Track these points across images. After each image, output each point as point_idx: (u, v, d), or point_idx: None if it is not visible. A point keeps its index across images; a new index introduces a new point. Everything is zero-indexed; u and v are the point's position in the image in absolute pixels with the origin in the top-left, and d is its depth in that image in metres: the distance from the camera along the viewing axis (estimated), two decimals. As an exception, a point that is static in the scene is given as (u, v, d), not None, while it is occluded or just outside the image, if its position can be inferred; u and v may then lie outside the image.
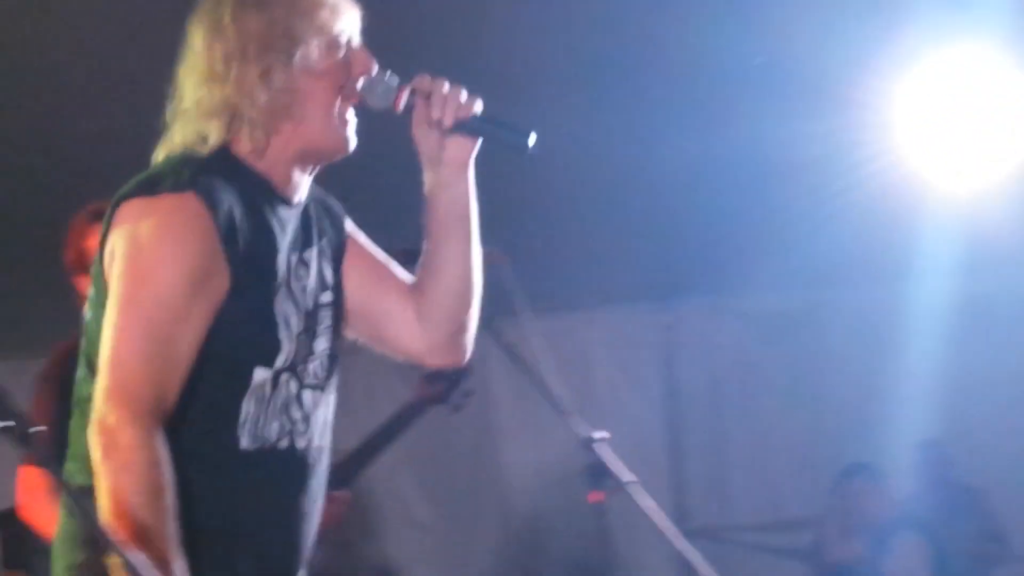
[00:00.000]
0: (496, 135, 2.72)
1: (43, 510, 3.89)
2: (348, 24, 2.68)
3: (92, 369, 2.55)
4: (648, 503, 3.11)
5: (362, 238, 2.88)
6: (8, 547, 5.34)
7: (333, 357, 2.73)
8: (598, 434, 3.31)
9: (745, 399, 7.75)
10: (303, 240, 2.70)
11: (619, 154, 5.98)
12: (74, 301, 4.18)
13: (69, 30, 4.80)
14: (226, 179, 2.56)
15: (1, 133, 5.22)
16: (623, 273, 7.22)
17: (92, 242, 4.20)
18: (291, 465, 2.63)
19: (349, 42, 2.68)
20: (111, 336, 2.48)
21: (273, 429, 2.60)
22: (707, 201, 6.34)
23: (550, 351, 3.80)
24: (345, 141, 2.68)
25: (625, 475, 3.20)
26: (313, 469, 2.68)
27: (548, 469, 7.56)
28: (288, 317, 2.61)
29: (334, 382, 2.74)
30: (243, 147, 2.61)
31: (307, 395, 2.65)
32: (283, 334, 2.60)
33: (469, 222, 2.80)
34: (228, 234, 2.51)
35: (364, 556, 7.71)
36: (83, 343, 2.63)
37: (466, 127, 2.69)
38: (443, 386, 4.91)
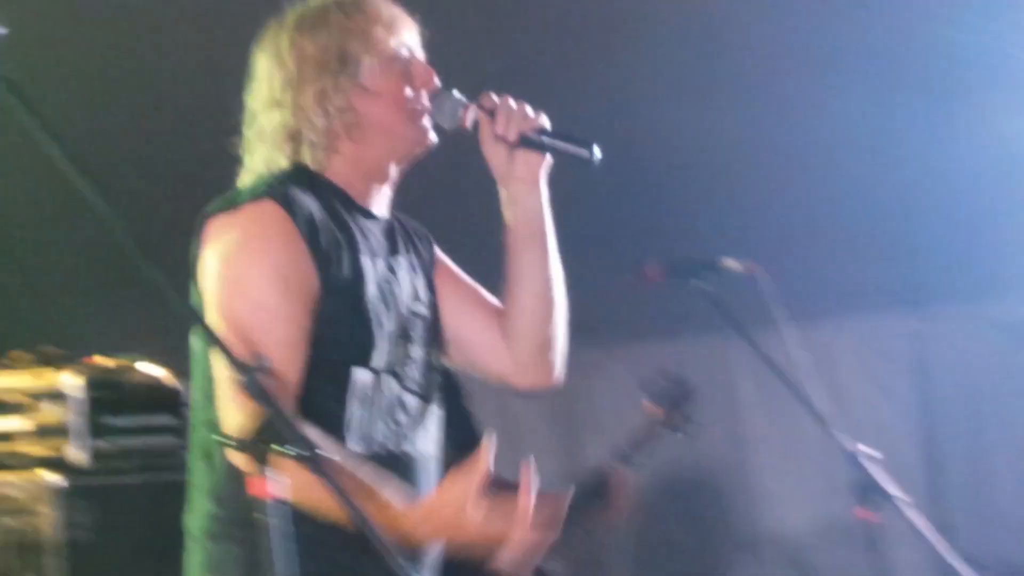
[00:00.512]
0: (560, 148, 2.73)
1: None
2: (407, 39, 2.73)
3: (200, 391, 2.64)
4: (920, 522, 2.98)
5: (449, 262, 2.93)
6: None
7: (432, 368, 2.75)
8: (863, 448, 3.21)
9: (1006, 412, 7.43)
10: (389, 248, 2.74)
11: (868, 156, 5.84)
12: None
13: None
14: (303, 189, 2.61)
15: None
16: (872, 280, 7.04)
17: None
18: (398, 470, 2.61)
19: (410, 56, 2.72)
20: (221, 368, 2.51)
21: (379, 431, 2.62)
22: (959, 203, 6.14)
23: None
24: (414, 146, 2.73)
25: (894, 491, 3.07)
26: (420, 476, 2.67)
27: (806, 483, 7.42)
28: (380, 316, 2.64)
29: (438, 396, 2.77)
30: (313, 165, 2.68)
31: (410, 400, 2.68)
32: (376, 331, 2.62)
33: (544, 238, 2.80)
34: (311, 235, 2.56)
35: (613, 574, 7.64)
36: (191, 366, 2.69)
37: (531, 141, 2.72)
38: (670, 410, 4.84)
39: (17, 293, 6.80)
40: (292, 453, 2.04)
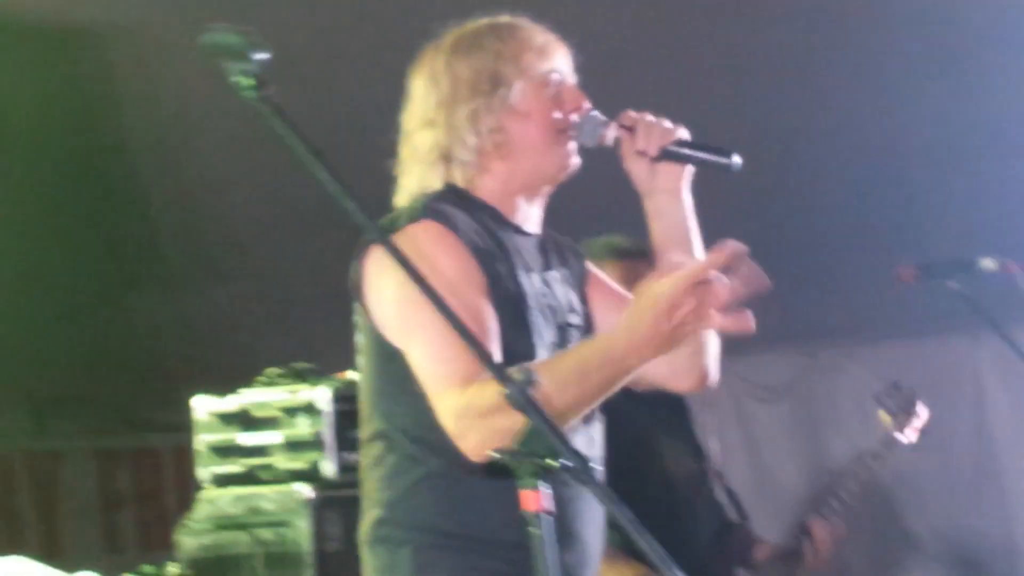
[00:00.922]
0: (701, 159, 2.78)
1: None
2: (558, 63, 2.81)
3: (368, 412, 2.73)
4: None
5: (600, 273, 2.98)
6: None
7: None
8: None
9: None
10: (542, 264, 2.80)
11: None
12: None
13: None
14: (456, 207, 2.68)
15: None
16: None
17: None
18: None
19: (561, 80, 2.78)
20: (421, 368, 2.58)
21: None
22: None
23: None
24: (560, 169, 2.78)
25: None
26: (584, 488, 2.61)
27: None
28: (540, 327, 2.68)
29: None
30: (463, 184, 2.76)
31: None
32: (537, 342, 2.66)
33: (690, 247, 2.80)
34: (475, 249, 2.62)
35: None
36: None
37: (671, 154, 2.77)
38: (901, 420, 4.78)
39: (270, 313, 7.00)
40: (562, 465, 2.04)
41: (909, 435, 4.73)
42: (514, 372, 2.13)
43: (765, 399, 4.89)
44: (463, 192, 2.75)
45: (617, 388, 2.49)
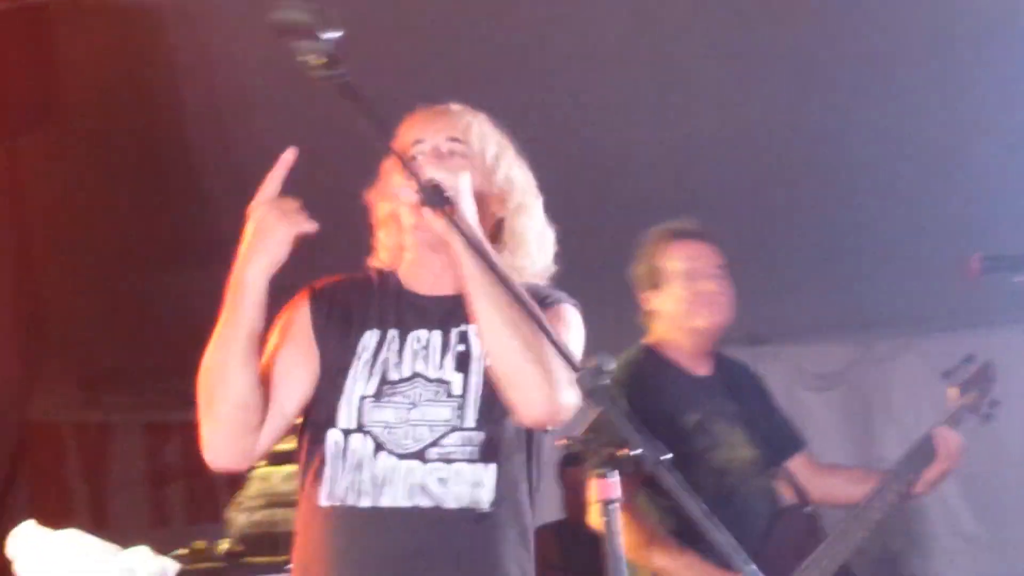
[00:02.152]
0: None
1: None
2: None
3: None
4: None
5: None
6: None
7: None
8: None
9: None
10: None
11: None
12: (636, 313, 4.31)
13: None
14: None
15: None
16: None
17: (665, 261, 4.41)
18: None
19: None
20: None
21: None
22: None
23: None
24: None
25: None
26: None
27: None
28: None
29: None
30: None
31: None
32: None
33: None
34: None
35: (910, 569, 7.47)
36: None
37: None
38: (975, 395, 4.71)
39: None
40: (639, 455, 2.01)
41: (983, 407, 4.63)
42: (589, 360, 2.11)
43: (818, 387, 4.83)
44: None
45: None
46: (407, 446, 2.72)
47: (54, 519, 3.81)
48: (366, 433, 2.75)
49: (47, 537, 3.71)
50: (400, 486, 2.70)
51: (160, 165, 6.09)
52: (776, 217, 5.96)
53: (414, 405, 2.76)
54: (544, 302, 2.84)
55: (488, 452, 2.72)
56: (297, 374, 2.83)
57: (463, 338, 2.84)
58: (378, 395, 2.78)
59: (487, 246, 2.66)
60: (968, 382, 4.66)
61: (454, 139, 2.90)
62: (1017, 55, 5.42)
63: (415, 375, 2.79)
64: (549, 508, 6.58)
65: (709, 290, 4.48)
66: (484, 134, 2.95)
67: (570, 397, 2.58)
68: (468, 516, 2.69)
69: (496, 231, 2.93)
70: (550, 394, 2.58)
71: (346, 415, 2.78)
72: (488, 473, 2.72)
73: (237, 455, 2.78)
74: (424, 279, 2.92)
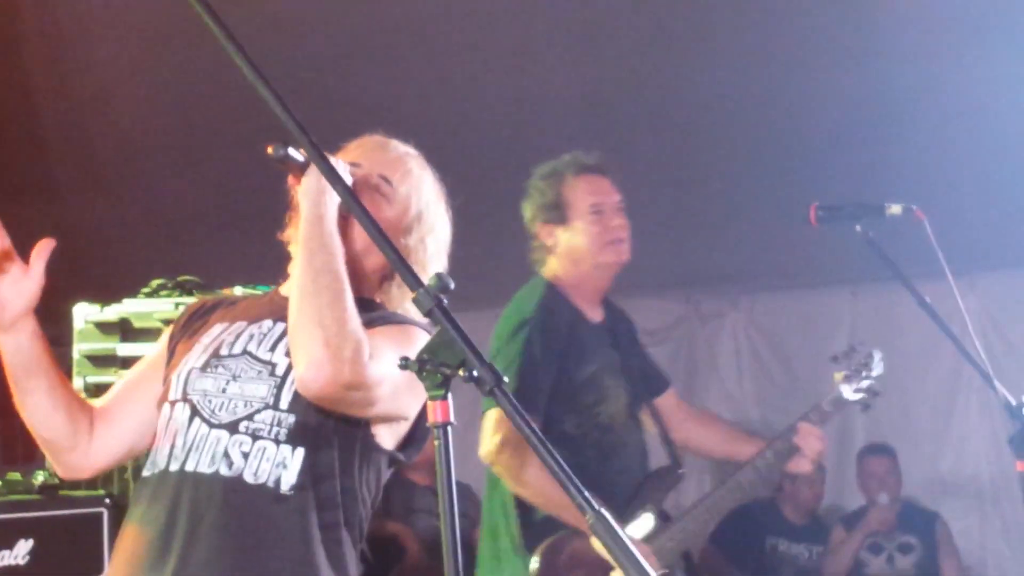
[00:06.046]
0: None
1: None
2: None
3: None
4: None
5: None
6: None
7: None
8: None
9: None
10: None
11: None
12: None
13: None
14: None
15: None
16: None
17: (572, 195, 4.45)
18: None
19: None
20: None
21: None
22: None
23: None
24: None
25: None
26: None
27: (970, 437, 7.38)
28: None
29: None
30: None
31: None
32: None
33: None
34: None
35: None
36: None
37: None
38: (857, 382, 4.76)
39: (155, 226, 6.88)
40: (469, 375, 2.00)
41: (864, 393, 4.65)
42: (429, 279, 2.09)
43: (646, 343, 4.91)
44: None
45: None
46: (220, 417, 2.75)
47: None
48: (186, 402, 2.79)
49: None
50: (206, 452, 2.72)
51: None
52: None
53: (235, 378, 2.78)
54: (393, 319, 2.88)
55: (297, 436, 2.71)
56: (133, 404, 2.95)
57: None
58: (204, 367, 2.82)
59: (328, 221, 2.73)
60: (854, 370, 4.67)
61: (384, 178, 2.96)
62: (840, 16, 5.49)
63: (245, 352, 2.82)
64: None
65: (617, 225, 4.46)
66: (416, 188, 3.00)
67: (355, 375, 2.59)
68: (267, 494, 2.68)
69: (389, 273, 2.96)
70: (324, 360, 2.58)
71: (175, 387, 2.83)
72: (294, 458, 2.71)
73: (67, 469, 2.96)
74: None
